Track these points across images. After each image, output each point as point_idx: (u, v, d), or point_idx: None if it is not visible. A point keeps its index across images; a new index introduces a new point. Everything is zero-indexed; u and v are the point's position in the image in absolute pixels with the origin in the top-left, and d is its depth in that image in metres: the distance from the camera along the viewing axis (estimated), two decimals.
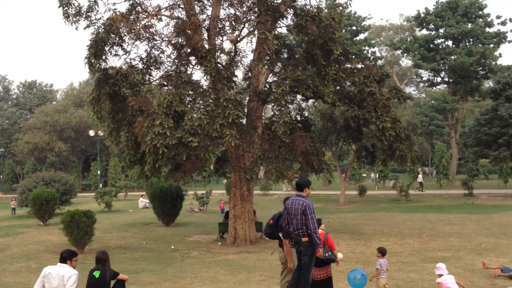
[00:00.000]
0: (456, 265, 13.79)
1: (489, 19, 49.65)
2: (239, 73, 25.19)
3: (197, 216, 29.79)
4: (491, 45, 49.04)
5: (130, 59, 19.10)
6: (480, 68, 48.91)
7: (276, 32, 18.70)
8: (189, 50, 18.13)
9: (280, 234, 8.80)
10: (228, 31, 18.97)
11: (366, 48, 54.29)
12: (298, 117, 21.58)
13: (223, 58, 19.34)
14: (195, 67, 19.03)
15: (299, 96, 20.17)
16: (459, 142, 52.02)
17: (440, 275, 8.96)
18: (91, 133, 48.33)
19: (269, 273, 13.30)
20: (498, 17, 50.02)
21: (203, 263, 15.30)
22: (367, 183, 47.16)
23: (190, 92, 17.43)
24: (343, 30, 44.17)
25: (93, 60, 18.32)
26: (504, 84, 35.97)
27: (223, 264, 14.96)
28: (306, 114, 23.72)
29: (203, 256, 16.69)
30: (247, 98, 20.10)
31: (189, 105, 17.30)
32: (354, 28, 52.94)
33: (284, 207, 8.67)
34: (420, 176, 46.18)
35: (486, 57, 47.67)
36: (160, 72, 19.71)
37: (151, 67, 19.70)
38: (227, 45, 25.59)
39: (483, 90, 50.31)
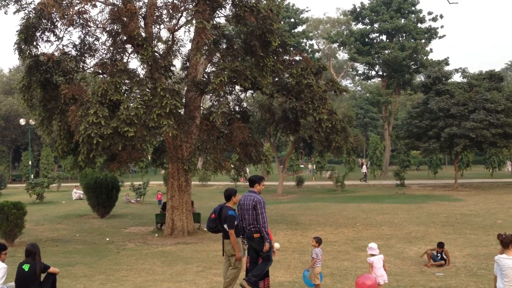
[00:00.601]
0: (387, 252, 14.24)
1: (421, 15, 51.50)
2: (177, 63, 24.85)
3: (134, 207, 29.27)
4: (423, 41, 50.92)
5: (63, 45, 18.33)
6: (412, 62, 50.69)
7: (214, 22, 18.53)
8: (125, 38, 17.64)
9: (225, 226, 8.72)
10: (165, 20, 18.59)
11: (304, 40, 55.02)
12: (237, 108, 21.58)
13: (161, 47, 19.01)
14: (131, 55, 18.54)
15: (237, 87, 20.15)
16: (392, 134, 53.78)
17: (372, 255, 9.31)
18: (22, 121, 46.39)
19: (207, 264, 13.27)
20: (429, 13, 51.93)
21: (139, 255, 15.05)
22: (305, 174, 47.98)
23: (126, 81, 17.00)
24: (282, 22, 44.55)
25: (23, 46, 17.45)
26: (434, 78, 37.41)
27: (160, 256, 14.78)
28: (245, 105, 23.71)
29: (139, 248, 16.42)
30: (185, 88, 19.88)
31: (125, 94, 16.86)
32: (292, 20, 53.46)
33: (238, 203, 8.78)
34: (364, 167, 47.49)
35: (418, 52, 49.45)
36: (94, 59, 19.05)
37: (85, 55, 19.01)
38: (164, 34, 25.06)
39: (415, 84, 52.23)
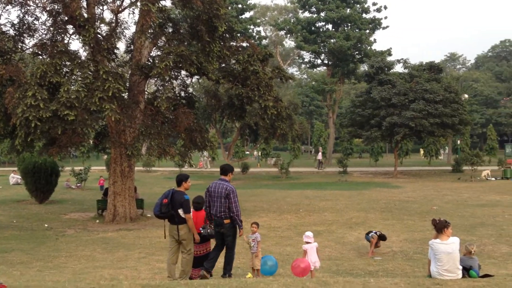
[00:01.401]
0: (329, 238, 14.59)
1: (366, 6, 52.37)
2: (121, 45, 24.21)
3: (75, 193, 28.50)
4: (367, 31, 51.88)
5: (0, 24, 17.53)
6: (357, 52, 51.58)
7: (160, 4, 18.13)
8: (66, 18, 17.02)
9: (180, 211, 8.64)
10: (109, 0, 18.08)
11: (251, 27, 54.85)
12: (182, 93, 21.33)
13: (104, 28, 18.44)
14: (72, 36, 17.91)
15: (183, 72, 19.89)
16: (336, 122, 54.68)
17: (307, 243, 9.52)
18: None
19: (149, 250, 13.14)
20: (374, 4, 52.89)
21: (79, 242, 14.72)
22: (250, 161, 48.17)
23: (67, 63, 16.46)
24: (229, 8, 44.22)
25: None
26: (377, 68, 38.30)
27: (101, 242, 14.51)
28: (191, 90, 23.49)
29: (79, 234, 16.05)
30: (129, 71, 19.44)
31: (65, 77, 16.31)
32: (239, 6, 53.17)
33: (206, 190, 8.85)
34: (320, 154, 48.16)
35: (362, 42, 50.35)
36: (33, 40, 18.30)
37: (24, 34, 18.19)
38: (108, 15, 24.41)
39: (359, 74, 53.22)
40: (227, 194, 8.57)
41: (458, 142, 50.54)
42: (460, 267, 7.24)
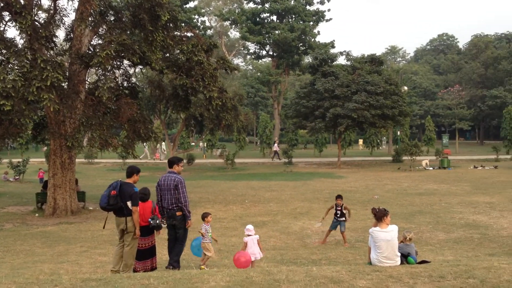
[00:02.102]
0: (273, 228, 14.73)
1: None
2: (61, 33, 23.39)
3: (13, 186, 27.45)
4: (311, 23, 52.48)
5: None
6: (301, 44, 52.13)
7: None
8: (1, 5, 16.28)
9: (129, 203, 8.48)
10: None
11: (196, 16, 54.34)
12: (125, 83, 20.88)
13: (41, 15, 17.80)
14: (8, 23, 17.15)
15: (126, 62, 19.49)
16: (281, 114, 55.19)
17: (248, 235, 9.63)
18: None
19: (91, 244, 12.84)
20: None
21: (18, 236, 14.20)
22: (196, 152, 47.86)
23: (3, 51, 15.80)
24: None
25: None
26: (321, 60, 38.85)
27: (40, 236, 14.05)
28: (134, 80, 23.00)
29: (17, 229, 15.49)
30: (69, 60, 18.83)
31: (1, 65, 15.64)
32: None
33: (157, 183, 8.96)
34: (276, 145, 48.39)
35: (306, 33, 50.92)
36: None
37: None
38: (45, 2, 23.47)
39: (303, 65, 53.83)
40: (175, 185, 8.72)
41: (398, 133, 52.09)
42: (399, 254, 7.47)
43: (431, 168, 35.38)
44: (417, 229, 14.27)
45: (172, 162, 9.08)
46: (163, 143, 47.59)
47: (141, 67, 20.95)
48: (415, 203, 19.36)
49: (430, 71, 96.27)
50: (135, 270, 8.73)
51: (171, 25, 19.25)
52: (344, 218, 12.73)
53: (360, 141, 59.43)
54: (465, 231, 13.89)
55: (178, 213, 8.75)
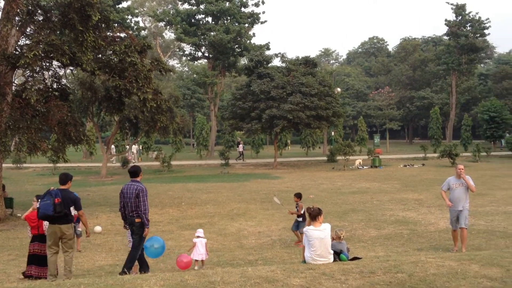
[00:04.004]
0: (210, 230, 14.68)
1: (244, 0, 53.14)
2: None
3: None
4: (246, 25, 52.75)
5: None
6: (237, 45, 52.27)
7: None
8: None
9: (72, 209, 8.82)
10: None
11: (129, 17, 53.32)
12: (55, 85, 20.15)
13: None
14: None
15: (55, 63, 18.80)
16: (217, 115, 55.08)
17: (198, 237, 10.24)
18: None
19: (20, 252, 12.30)
20: None
21: None
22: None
23: None
24: None
25: None
26: (256, 62, 39.11)
27: None
28: (64, 82, 22.25)
29: None
30: None
31: None
32: None
33: (120, 191, 9.17)
34: (240, 146, 48.10)
35: (241, 35, 51.11)
36: None
37: None
38: None
39: (239, 67, 54.01)
40: (137, 194, 8.91)
41: (332, 133, 53.30)
42: (332, 252, 7.65)
43: (364, 167, 36.43)
44: (350, 226, 14.66)
45: (136, 172, 9.29)
46: (134, 146, 46.74)
47: (71, 68, 20.29)
48: (348, 201, 19.88)
49: (362, 73, 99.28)
50: (29, 275, 9.20)
51: (102, 25, 18.77)
52: (301, 219, 12.41)
53: (288, 142, 60.59)
54: (395, 227, 14.41)
55: (137, 220, 8.91)
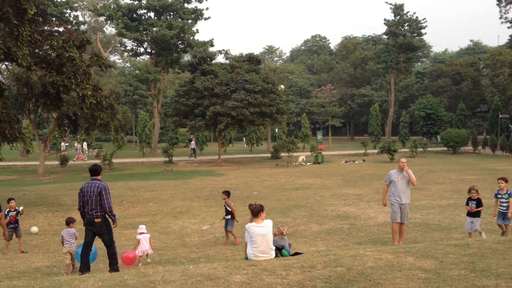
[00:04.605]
0: (153, 228, 14.48)
1: None
2: None
3: None
4: (190, 21, 52.32)
5: None
6: (180, 42, 51.79)
7: None
8: None
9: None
10: None
11: (68, 11, 51.74)
12: None
13: None
14: None
15: None
16: (161, 112, 54.38)
17: (142, 233, 10.51)
18: None
19: None
20: None
21: None
22: (70, 153, 45.61)
23: None
24: None
25: None
26: (200, 58, 38.88)
27: None
28: None
29: None
30: None
31: None
32: None
33: (80, 190, 9.03)
34: (193, 143, 47.31)
35: (185, 31, 50.67)
36: None
37: None
38: None
39: (183, 63, 53.53)
40: (99, 192, 8.84)
41: (276, 130, 53.76)
42: (273, 248, 7.71)
43: (307, 164, 36.97)
44: (293, 222, 14.84)
45: (96, 170, 9.20)
46: (84, 143, 45.28)
47: (6, 63, 19.49)
48: (291, 197, 20.12)
49: (305, 70, 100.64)
50: None
51: (39, 19, 18.15)
52: (230, 216, 12.38)
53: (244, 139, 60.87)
54: (337, 222, 14.71)
55: (96, 220, 8.82)
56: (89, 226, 8.91)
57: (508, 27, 54.69)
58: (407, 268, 6.28)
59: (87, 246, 9.01)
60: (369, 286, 5.60)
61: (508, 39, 58.72)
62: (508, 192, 10.72)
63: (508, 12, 54.83)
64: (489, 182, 21.82)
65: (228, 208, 12.46)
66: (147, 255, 10.56)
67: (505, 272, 6.01)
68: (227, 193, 12.80)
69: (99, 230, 8.89)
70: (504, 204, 10.76)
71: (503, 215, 10.82)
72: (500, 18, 55.02)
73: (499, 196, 10.88)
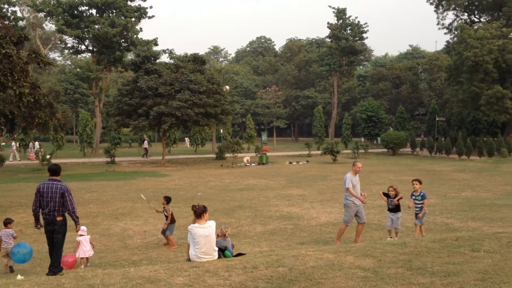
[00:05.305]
0: (93, 231, 14.12)
1: None
2: None
3: None
4: (133, 19, 51.41)
5: None
6: (123, 40, 50.82)
7: None
8: None
9: None
10: None
11: (6, 6, 49.69)
12: None
13: None
14: None
15: None
16: (103, 111, 53.18)
17: (81, 235, 10.44)
18: None
19: None
20: None
21: None
22: (6, 153, 43.83)
23: None
24: None
25: None
26: (143, 57, 38.30)
27: None
28: None
29: None
30: None
31: None
32: None
33: (37, 190, 8.85)
34: (145, 142, 46.15)
35: (128, 30, 49.77)
36: None
37: None
38: None
39: (126, 62, 52.53)
40: (62, 193, 8.74)
41: (221, 131, 53.68)
42: (216, 249, 7.70)
43: (252, 164, 37.12)
44: (237, 223, 14.86)
45: (56, 170, 8.98)
46: (36, 142, 43.43)
47: None
48: (236, 198, 20.14)
49: (250, 71, 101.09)
50: None
51: None
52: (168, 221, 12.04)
53: (186, 140, 60.53)
54: (280, 222, 14.84)
55: (58, 218, 8.77)
56: (49, 226, 8.82)
57: (445, 33, 57.36)
58: (347, 267, 6.42)
59: (51, 246, 8.97)
60: (310, 285, 5.68)
61: (445, 45, 61.31)
62: (422, 193, 11.15)
63: (445, 19, 57.37)
64: (426, 183, 22.62)
65: (165, 213, 12.17)
66: (87, 258, 10.42)
67: (440, 270, 6.25)
68: (167, 199, 12.42)
69: (59, 228, 8.80)
70: (418, 205, 11.20)
71: (416, 215, 11.28)
72: (438, 24, 57.38)
73: (413, 197, 11.30)
